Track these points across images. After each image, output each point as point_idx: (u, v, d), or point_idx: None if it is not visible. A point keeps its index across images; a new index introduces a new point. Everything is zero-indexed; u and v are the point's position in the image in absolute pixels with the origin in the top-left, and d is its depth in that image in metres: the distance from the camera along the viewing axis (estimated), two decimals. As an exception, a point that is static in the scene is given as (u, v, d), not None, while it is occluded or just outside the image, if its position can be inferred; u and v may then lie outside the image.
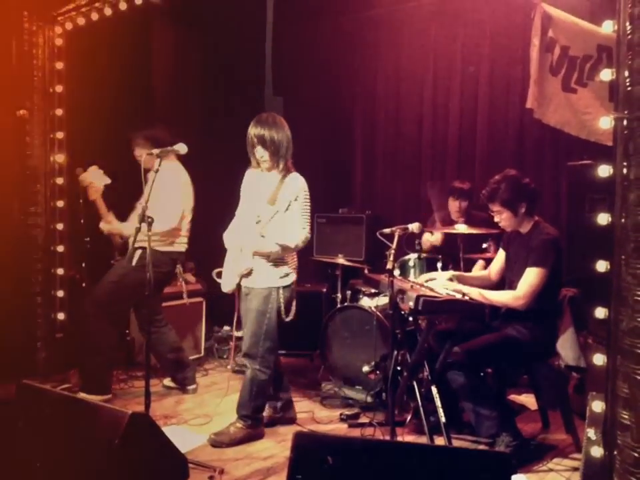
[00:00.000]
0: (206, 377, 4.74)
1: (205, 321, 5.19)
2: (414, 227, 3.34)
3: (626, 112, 2.15)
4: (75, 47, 4.58)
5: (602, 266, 2.33)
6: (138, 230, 3.06)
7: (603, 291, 2.28)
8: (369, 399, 4.03)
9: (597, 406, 2.38)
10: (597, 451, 2.33)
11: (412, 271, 4.19)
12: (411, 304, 3.03)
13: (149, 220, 3.00)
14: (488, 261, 4.05)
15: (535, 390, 3.73)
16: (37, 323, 4.45)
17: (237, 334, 3.94)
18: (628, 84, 2.14)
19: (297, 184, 3.42)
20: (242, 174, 3.63)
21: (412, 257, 4.22)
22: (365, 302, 4.43)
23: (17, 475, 2.51)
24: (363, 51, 6.28)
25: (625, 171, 2.15)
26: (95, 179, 4.05)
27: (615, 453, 2.17)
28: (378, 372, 3.93)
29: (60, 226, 4.53)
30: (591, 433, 2.38)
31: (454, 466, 1.99)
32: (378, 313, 4.12)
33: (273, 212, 3.36)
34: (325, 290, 5.23)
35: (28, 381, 2.78)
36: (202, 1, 5.55)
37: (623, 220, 2.15)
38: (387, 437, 3.17)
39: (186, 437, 3.47)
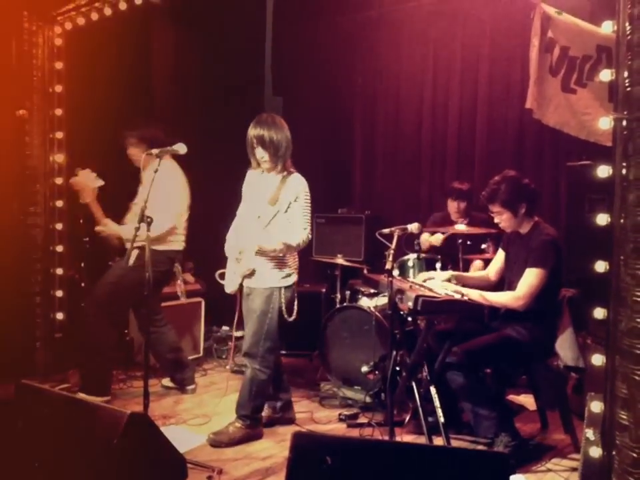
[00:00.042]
0: (205, 377, 4.74)
1: (203, 321, 5.19)
2: (413, 227, 3.34)
3: (625, 112, 2.15)
4: (75, 47, 4.57)
5: (601, 266, 2.33)
6: (137, 230, 3.05)
7: (602, 291, 2.28)
8: (368, 399, 4.02)
9: (596, 406, 2.38)
10: (595, 451, 2.33)
11: (411, 271, 4.19)
12: (410, 304, 3.02)
13: (148, 220, 3.01)
14: (487, 262, 4.04)
15: (533, 390, 3.73)
16: (36, 322, 4.45)
17: (236, 334, 3.94)
18: (627, 84, 2.14)
19: (298, 185, 3.42)
20: (242, 174, 3.63)
21: (411, 257, 4.23)
22: (364, 302, 4.42)
23: (16, 474, 2.51)
24: (362, 51, 6.28)
25: (624, 171, 2.15)
26: (87, 181, 4.03)
27: (614, 453, 2.17)
28: (377, 372, 3.94)
29: (59, 226, 4.52)
30: (590, 433, 2.38)
31: (453, 466, 2.00)
32: (377, 313, 4.11)
33: (274, 212, 3.37)
34: (324, 290, 5.24)
35: (27, 380, 2.78)
36: (202, 1, 5.54)
37: (622, 220, 2.15)
38: (386, 437, 3.17)
39: (185, 436, 3.47)
